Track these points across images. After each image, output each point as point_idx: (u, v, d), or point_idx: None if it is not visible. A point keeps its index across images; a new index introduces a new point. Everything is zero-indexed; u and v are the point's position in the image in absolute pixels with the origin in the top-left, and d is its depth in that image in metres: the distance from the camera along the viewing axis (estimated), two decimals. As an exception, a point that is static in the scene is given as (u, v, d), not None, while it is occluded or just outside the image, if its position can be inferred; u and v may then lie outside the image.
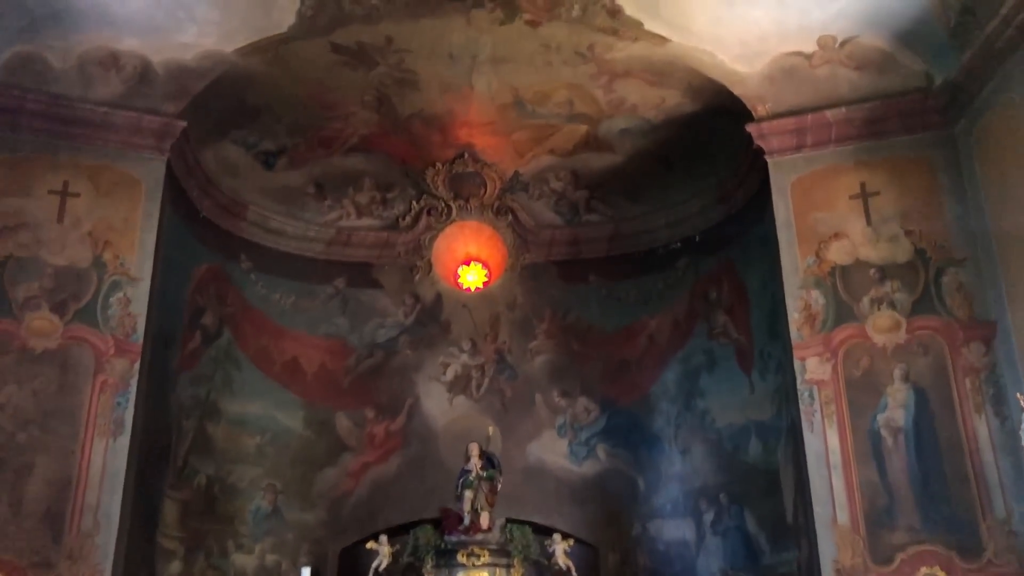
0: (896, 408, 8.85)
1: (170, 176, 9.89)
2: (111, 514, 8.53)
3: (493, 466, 10.34)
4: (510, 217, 12.28)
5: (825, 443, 8.90)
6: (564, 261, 12.32)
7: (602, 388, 11.84)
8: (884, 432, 8.81)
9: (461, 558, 9.66)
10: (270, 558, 10.71)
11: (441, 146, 11.45)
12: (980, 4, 8.49)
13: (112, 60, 9.45)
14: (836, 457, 8.84)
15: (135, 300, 9.21)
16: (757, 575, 10.09)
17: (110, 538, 8.46)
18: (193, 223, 10.66)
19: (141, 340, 9.12)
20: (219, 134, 10.65)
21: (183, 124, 9.75)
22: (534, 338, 12.09)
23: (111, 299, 9.14)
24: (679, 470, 11.14)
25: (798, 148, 9.81)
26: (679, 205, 11.67)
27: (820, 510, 8.73)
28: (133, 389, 8.98)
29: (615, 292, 12.11)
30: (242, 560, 10.52)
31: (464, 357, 12.04)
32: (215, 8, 9.12)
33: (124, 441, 8.78)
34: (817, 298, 9.32)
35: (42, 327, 8.84)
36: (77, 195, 9.39)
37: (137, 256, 9.37)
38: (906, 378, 8.88)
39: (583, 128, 11.09)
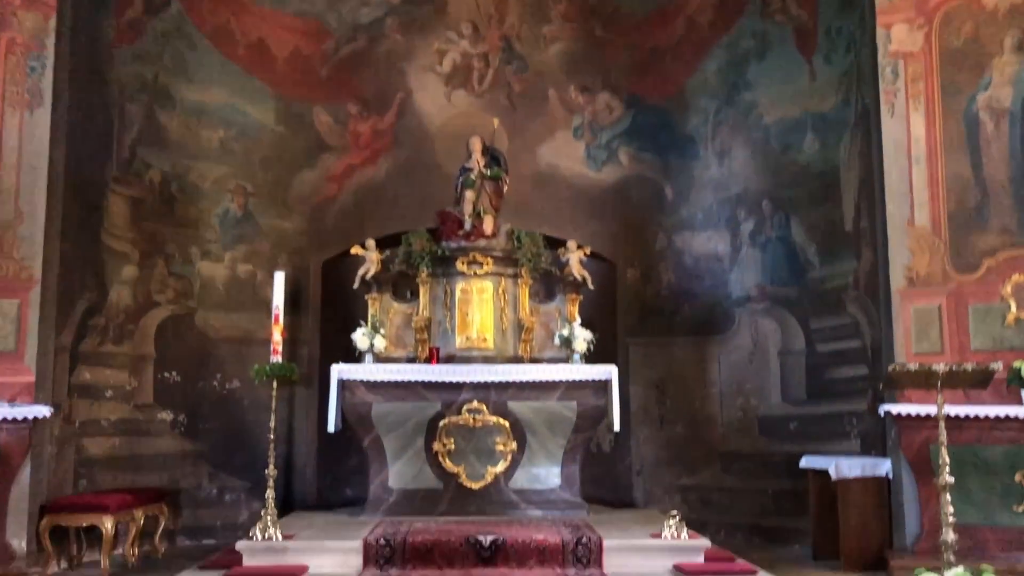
0: (1003, 86, 7.12)
1: None
2: (35, 201, 7.03)
3: (498, 164, 8.81)
4: None
5: (908, 130, 7.27)
6: (585, -74, 10.05)
7: (628, 82, 9.99)
8: (984, 115, 7.14)
9: (460, 266, 8.35)
10: (243, 268, 9.37)
11: None
12: None
13: None
14: (920, 147, 7.24)
15: (43, -65, 7.21)
16: (801, 290, 8.78)
17: (36, 230, 7.01)
18: None
19: (54, -12, 7.22)
20: None
21: None
22: (548, 22, 10.06)
23: (11, -69, 7.14)
24: (715, 175, 9.56)
25: None
26: None
27: (894, 210, 7.25)
28: (50, 52, 7.19)
29: (647, -36, 9.95)
30: (210, 268, 9.17)
31: (464, 44, 10.09)
32: None
33: (44, 115, 7.11)
34: (912, -53, 7.32)
35: (-80, -36, 6.92)
36: None
37: None
38: (1020, 48, 7.09)
39: None
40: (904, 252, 7.18)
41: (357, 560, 6.06)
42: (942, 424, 5.06)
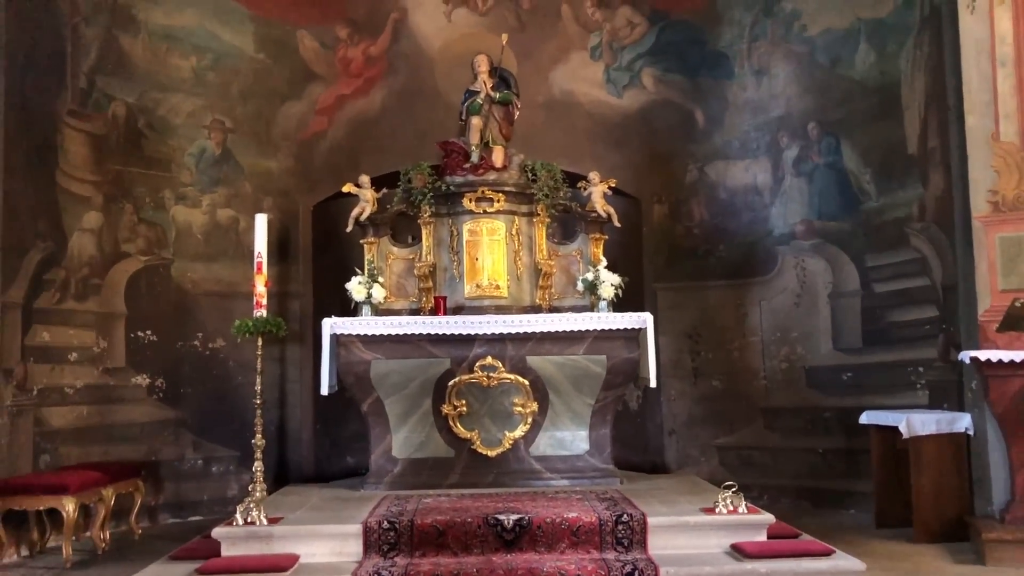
0: (1106, -28, 6.04)
1: None
2: (-32, 135, 6.03)
3: (508, 86, 7.73)
4: None
5: (991, 27, 6.22)
6: None
7: (652, -6, 8.89)
8: (1084, 8, 6.07)
9: (468, 203, 7.33)
10: (224, 213, 8.33)
11: None
12: None
13: None
14: (1007, 48, 6.20)
15: None
16: (855, 224, 7.74)
17: (-31, 168, 6.01)
18: None
19: None
20: None
21: None
22: (559, -73, 8.94)
23: None
24: (752, 97, 8.47)
25: None
26: None
27: (975, 123, 6.21)
28: (-21, -42, 6.14)
29: None
30: (186, 214, 8.14)
31: (465, -45, 8.97)
32: None
33: (-28, 31, 6.07)
34: None
35: None
36: None
37: None
38: None
39: None
40: (987, 172, 6.16)
41: (356, 547, 5.13)
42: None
